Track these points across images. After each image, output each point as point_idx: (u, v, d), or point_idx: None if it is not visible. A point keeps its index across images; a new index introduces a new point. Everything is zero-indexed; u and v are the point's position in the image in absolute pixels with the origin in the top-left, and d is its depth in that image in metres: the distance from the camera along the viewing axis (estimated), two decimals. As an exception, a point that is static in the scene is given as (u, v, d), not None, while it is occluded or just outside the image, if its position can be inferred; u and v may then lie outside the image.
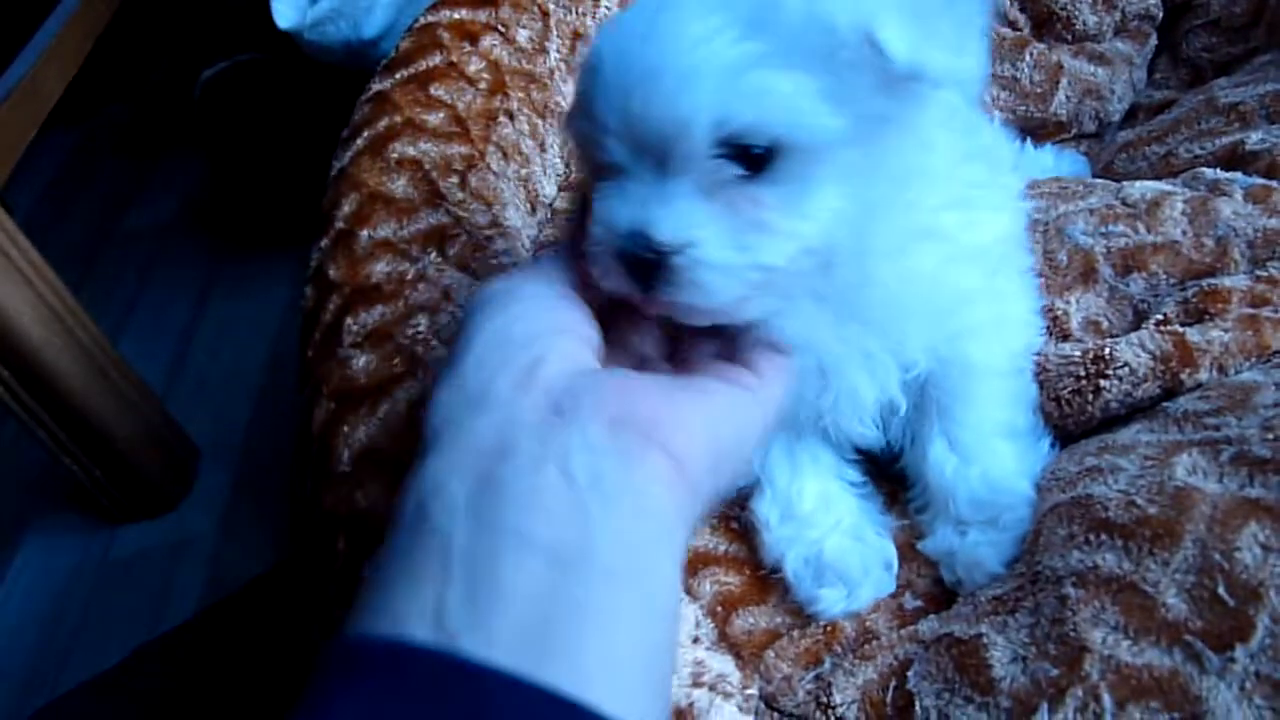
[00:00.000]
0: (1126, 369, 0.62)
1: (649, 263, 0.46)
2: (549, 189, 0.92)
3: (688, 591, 0.63)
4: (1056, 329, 0.68)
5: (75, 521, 1.27)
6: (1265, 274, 0.66)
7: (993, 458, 0.63)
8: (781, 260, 0.47)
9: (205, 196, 1.82)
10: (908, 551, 0.64)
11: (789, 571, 0.62)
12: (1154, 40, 1.07)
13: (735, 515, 0.67)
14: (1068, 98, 0.99)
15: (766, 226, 0.47)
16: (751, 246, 0.47)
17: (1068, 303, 0.68)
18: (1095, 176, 0.94)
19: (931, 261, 0.57)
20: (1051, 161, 0.95)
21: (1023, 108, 0.99)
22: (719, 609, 0.62)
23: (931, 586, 0.62)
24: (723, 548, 0.66)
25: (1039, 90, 0.99)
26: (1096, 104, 1.00)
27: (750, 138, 0.45)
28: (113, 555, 1.23)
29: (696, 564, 0.64)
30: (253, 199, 1.60)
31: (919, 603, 0.61)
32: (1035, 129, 1.00)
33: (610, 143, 0.48)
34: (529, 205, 0.89)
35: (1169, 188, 0.74)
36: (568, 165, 0.95)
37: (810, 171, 0.47)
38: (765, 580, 0.64)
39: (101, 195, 1.96)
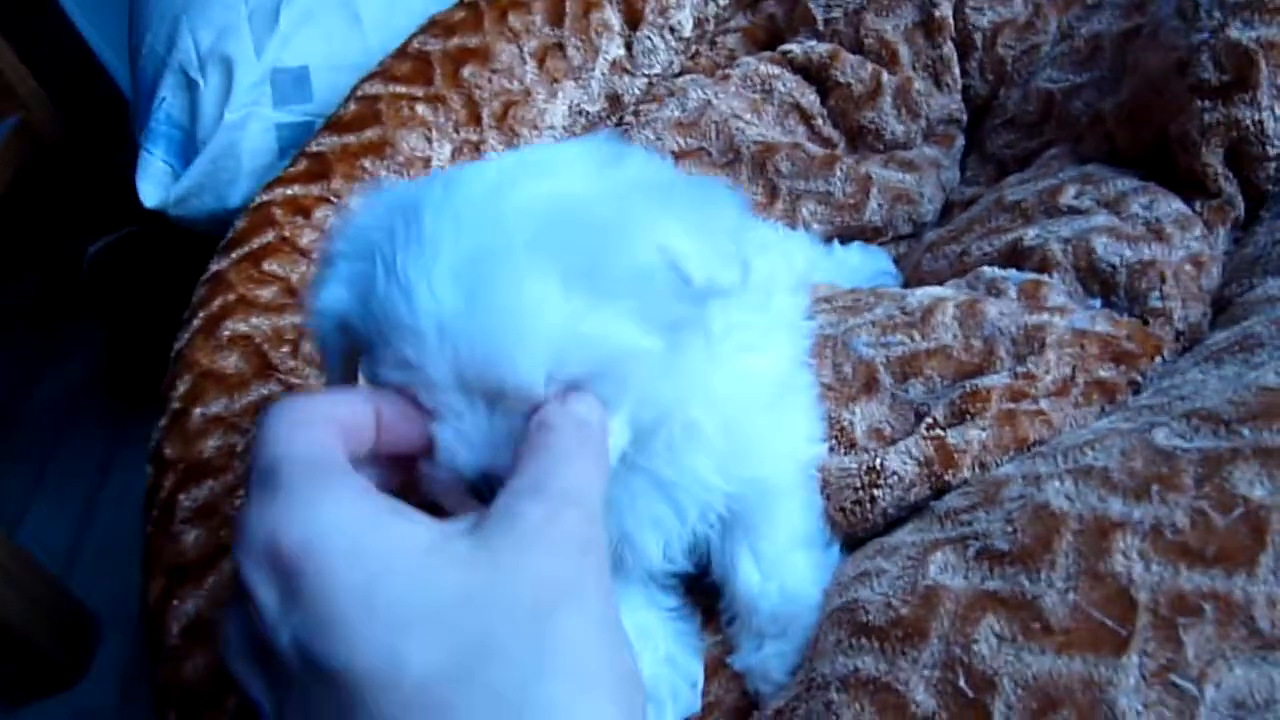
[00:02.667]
0: (896, 477, 0.67)
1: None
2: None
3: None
4: (844, 439, 0.72)
5: (-25, 706, 1.27)
6: (1024, 369, 0.71)
7: (790, 570, 0.67)
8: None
9: (106, 366, 1.85)
10: (719, 668, 0.68)
11: None
12: (961, 141, 1.15)
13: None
14: (879, 205, 1.06)
15: None
16: None
17: (853, 413, 0.73)
18: (907, 276, 1.01)
19: (709, 430, 0.61)
20: (858, 259, 1.01)
21: (838, 219, 1.06)
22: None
23: (739, 699, 0.66)
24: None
25: (852, 201, 1.06)
26: (908, 208, 1.07)
27: (582, 379, 0.48)
28: (14, 738, 1.23)
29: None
30: (150, 365, 1.63)
31: (724, 720, 0.64)
32: (853, 237, 1.06)
33: (440, 392, 0.47)
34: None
35: (944, 293, 0.80)
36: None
37: (619, 391, 0.50)
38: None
39: (8, 369, 1.98)
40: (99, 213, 1.66)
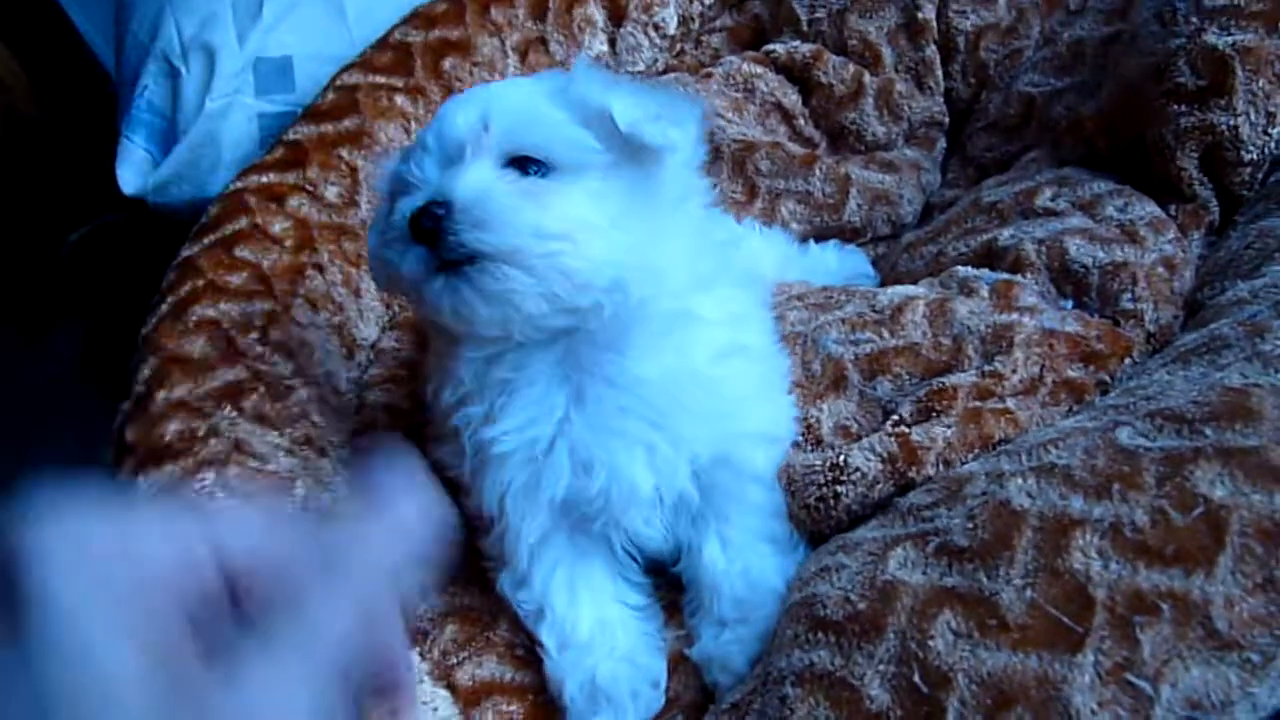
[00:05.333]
0: (859, 474, 0.66)
1: (442, 220, 0.58)
2: (368, 331, 0.96)
3: (468, 722, 0.65)
4: (810, 436, 0.72)
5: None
6: (991, 368, 0.71)
7: (755, 557, 0.67)
8: (550, 225, 0.58)
9: (85, 354, 1.84)
10: (680, 662, 0.67)
11: (567, 698, 0.65)
12: (942, 144, 1.15)
13: (519, 642, 0.70)
14: (859, 205, 1.06)
15: (538, 198, 0.59)
16: (527, 207, 0.58)
17: (820, 410, 0.73)
18: (885, 276, 1.00)
19: (702, 355, 0.64)
20: (835, 260, 1.01)
21: (817, 219, 1.05)
22: (501, 739, 0.65)
23: (698, 695, 0.65)
24: (508, 676, 0.68)
25: (831, 201, 1.05)
26: (888, 209, 1.07)
27: (531, 150, 0.60)
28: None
29: (479, 693, 0.66)
30: (130, 352, 1.63)
31: (681, 717, 0.64)
32: (831, 236, 1.06)
33: (424, 159, 0.63)
34: (345, 349, 0.92)
35: (915, 291, 0.80)
36: (388, 306, 0.99)
37: (574, 182, 0.61)
38: (547, 707, 0.67)
39: (-12, 357, 1.97)
40: (80, 200, 1.65)
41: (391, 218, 0.63)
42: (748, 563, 0.67)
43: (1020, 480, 0.59)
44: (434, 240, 0.58)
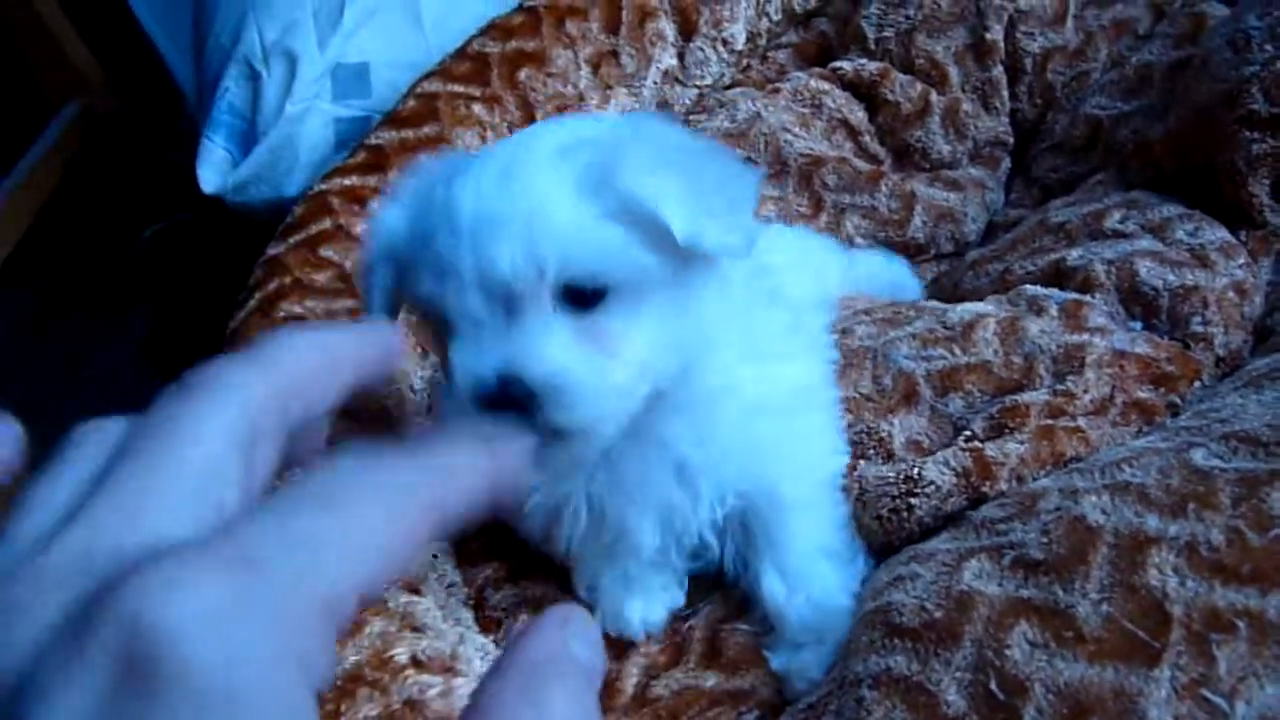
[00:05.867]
0: (933, 487, 0.68)
1: (523, 400, 0.52)
2: (441, 333, 0.99)
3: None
4: (881, 450, 0.73)
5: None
6: (1063, 387, 0.72)
7: (817, 581, 0.69)
8: (626, 378, 0.55)
9: (155, 345, 1.89)
10: (756, 657, 0.69)
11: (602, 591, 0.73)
12: (1007, 164, 1.16)
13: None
14: (923, 222, 1.07)
15: (612, 350, 0.55)
16: (603, 368, 0.54)
17: (891, 424, 0.74)
18: (948, 293, 1.02)
19: (731, 416, 0.65)
20: (881, 264, 1.03)
21: (881, 234, 1.07)
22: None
23: (773, 696, 0.67)
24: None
25: (896, 217, 1.07)
26: (951, 226, 1.08)
27: (587, 280, 0.54)
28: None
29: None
30: (198, 345, 1.67)
31: (757, 713, 0.66)
32: (896, 252, 1.07)
33: (466, 293, 0.53)
34: (419, 349, 0.95)
35: (986, 309, 0.81)
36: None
37: (634, 306, 0.55)
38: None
39: (61, 348, 2.02)
40: (156, 197, 1.70)
41: (450, 385, 0.55)
42: (810, 590, 0.68)
43: (1094, 497, 0.60)
44: (522, 414, 0.53)
